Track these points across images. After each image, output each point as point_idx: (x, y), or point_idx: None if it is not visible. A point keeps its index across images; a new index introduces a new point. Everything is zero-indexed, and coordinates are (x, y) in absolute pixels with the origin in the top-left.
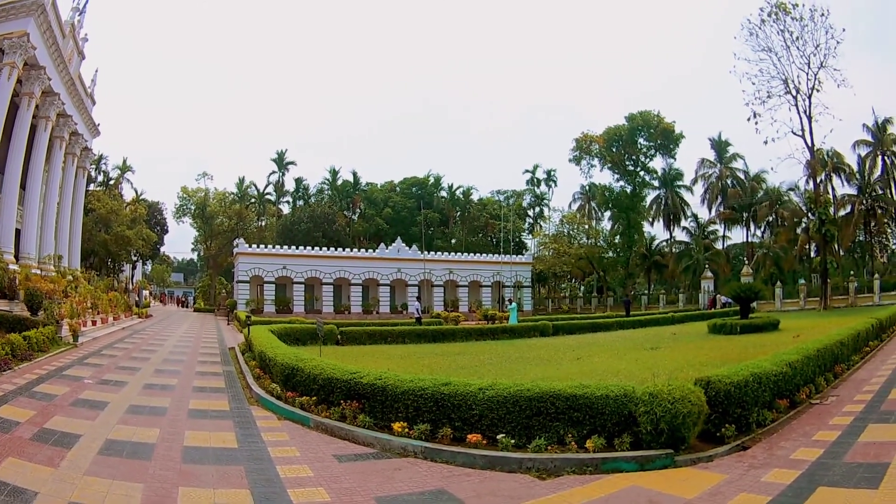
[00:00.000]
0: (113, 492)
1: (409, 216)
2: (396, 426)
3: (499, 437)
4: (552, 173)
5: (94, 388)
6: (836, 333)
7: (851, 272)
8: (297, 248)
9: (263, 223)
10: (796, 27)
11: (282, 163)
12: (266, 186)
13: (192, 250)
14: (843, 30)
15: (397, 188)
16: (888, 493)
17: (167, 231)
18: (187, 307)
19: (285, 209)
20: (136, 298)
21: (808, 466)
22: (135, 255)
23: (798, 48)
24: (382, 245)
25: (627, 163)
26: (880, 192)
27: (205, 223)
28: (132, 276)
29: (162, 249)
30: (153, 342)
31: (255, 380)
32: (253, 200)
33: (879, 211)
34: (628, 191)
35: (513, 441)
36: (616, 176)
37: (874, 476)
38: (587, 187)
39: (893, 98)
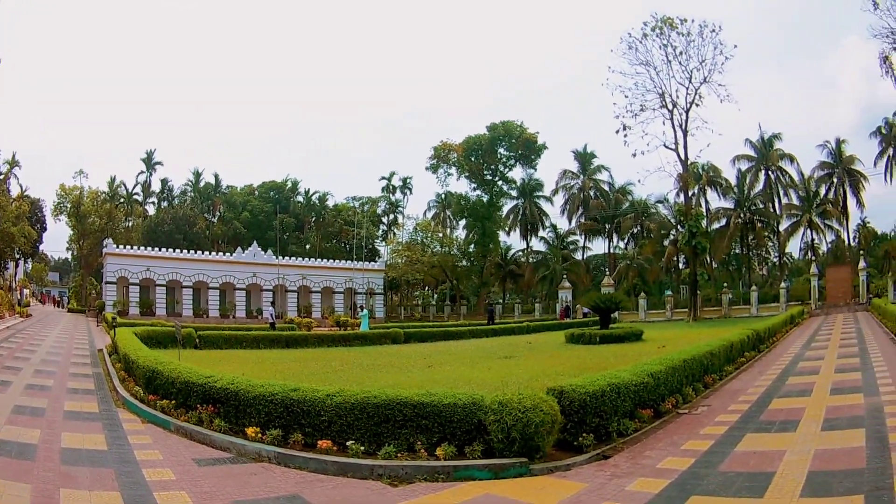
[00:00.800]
0: (7, 492)
1: (267, 220)
2: (250, 431)
3: (348, 443)
4: (408, 181)
5: None
6: (705, 344)
7: (725, 284)
8: (159, 250)
9: (131, 223)
10: (681, 42)
11: (150, 163)
12: (134, 186)
13: (67, 249)
14: (735, 46)
15: (256, 192)
16: (775, 502)
17: (46, 229)
18: (62, 307)
19: (152, 210)
20: (18, 297)
21: (678, 476)
22: (17, 254)
23: (681, 63)
24: (239, 249)
25: (486, 172)
26: (761, 206)
27: (79, 222)
28: (15, 274)
29: (41, 248)
30: (34, 342)
31: (120, 382)
32: (122, 200)
33: (759, 224)
34: (485, 200)
35: (363, 448)
36: (473, 185)
37: (758, 485)
38: (443, 196)
39: (790, 114)
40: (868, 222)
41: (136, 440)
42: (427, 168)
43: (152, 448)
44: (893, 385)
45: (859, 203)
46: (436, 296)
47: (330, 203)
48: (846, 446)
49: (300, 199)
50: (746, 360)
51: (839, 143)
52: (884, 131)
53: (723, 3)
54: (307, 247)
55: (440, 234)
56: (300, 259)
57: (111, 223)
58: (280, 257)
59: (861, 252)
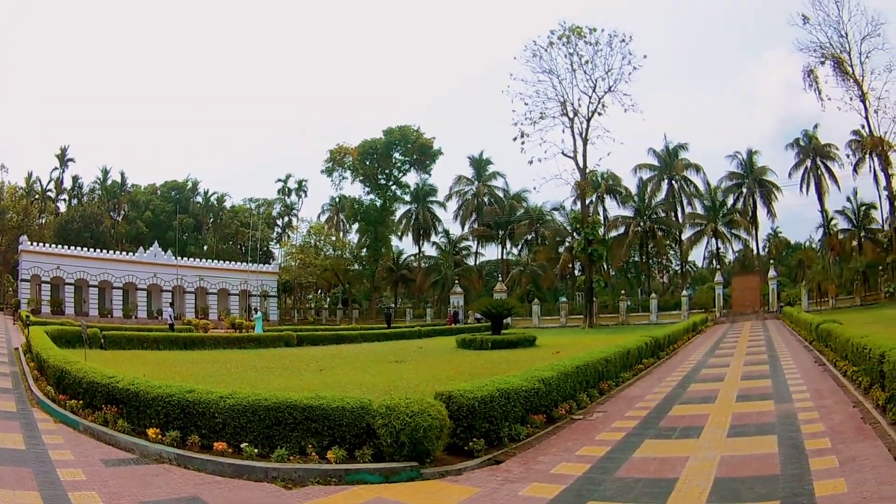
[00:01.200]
0: None
1: (168, 220)
2: (151, 432)
3: (242, 445)
4: (303, 183)
5: None
6: (600, 350)
7: (623, 291)
8: (67, 249)
9: (44, 220)
10: (588, 51)
11: (63, 159)
12: (49, 182)
13: None
14: (645, 56)
15: (158, 191)
16: None
17: None
18: None
19: (64, 207)
20: None
21: (574, 481)
22: None
23: (586, 72)
24: (141, 249)
25: (380, 176)
26: (662, 214)
27: None
28: None
29: None
30: None
31: (34, 381)
32: (37, 197)
33: (660, 233)
34: (378, 204)
35: (256, 450)
36: (367, 189)
37: (659, 491)
38: (337, 199)
39: (710, 126)
40: (780, 232)
41: (50, 440)
42: (322, 171)
43: (64, 448)
44: (808, 392)
45: (770, 213)
46: (328, 299)
47: (228, 204)
48: (756, 453)
49: (199, 199)
50: (645, 366)
51: (750, 153)
52: (802, 143)
53: (645, 16)
54: (205, 248)
55: (333, 238)
56: (198, 260)
57: (27, 220)
58: (179, 258)
59: (771, 261)
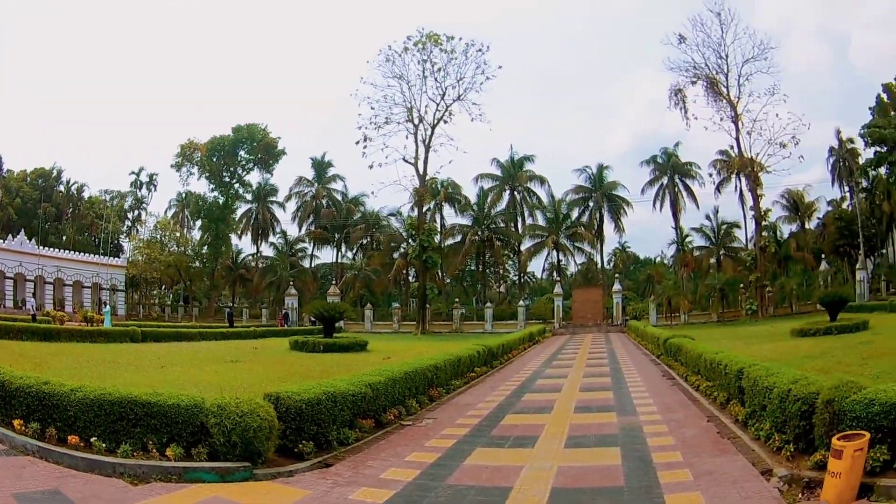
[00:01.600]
0: None
1: (34, 208)
2: (16, 423)
3: (92, 439)
4: (154, 177)
5: None
6: (430, 357)
7: (457, 299)
8: None
9: None
10: (442, 59)
11: None
12: None
13: None
14: (500, 66)
15: (28, 178)
16: None
17: None
18: None
19: None
20: None
21: (404, 487)
22: None
23: (437, 79)
24: (10, 236)
25: (225, 174)
26: (502, 224)
27: None
28: None
29: None
30: None
31: None
32: None
33: (498, 243)
34: (221, 202)
35: (104, 445)
36: (212, 186)
37: (493, 499)
38: (184, 195)
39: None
40: (628, 247)
41: None
42: (172, 166)
43: None
44: (655, 406)
45: (618, 228)
46: (171, 296)
47: (87, 195)
48: (598, 464)
49: (62, 188)
50: (477, 375)
51: (601, 168)
52: (660, 160)
53: (510, 27)
54: (64, 238)
55: (178, 234)
56: (56, 251)
57: None
58: (41, 248)
59: (616, 275)
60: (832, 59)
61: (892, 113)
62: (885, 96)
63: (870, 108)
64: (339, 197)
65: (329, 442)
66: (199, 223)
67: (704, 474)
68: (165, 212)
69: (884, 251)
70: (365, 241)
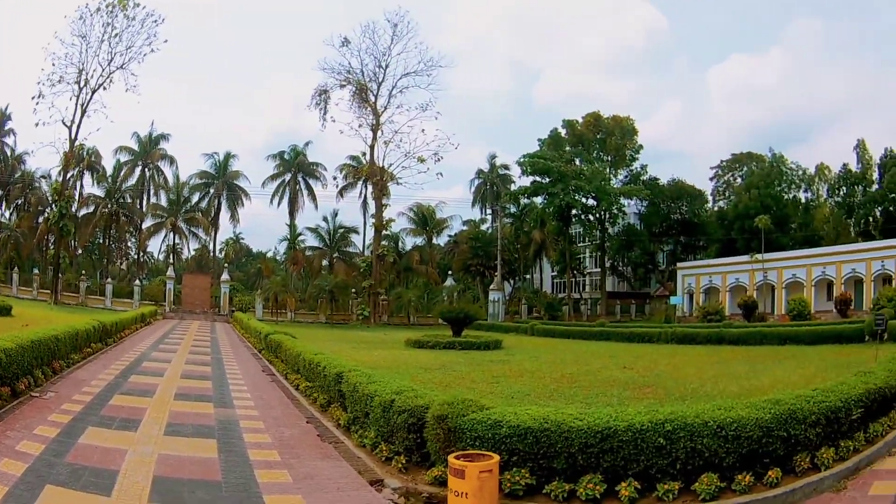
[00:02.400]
0: None
1: None
2: None
3: None
4: None
5: None
6: (52, 328)
7: (84, 272)
8: None
9: None
10: (122, 24)
11: None
12: None
13: None
14: (165, 41)
15: None
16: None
17: None
18: None
19: None
20: None
21: (34, 461)
22: None
23: (111, 45)
24: None
25: None
26: (129, 200)
27: None
28: None
29: None
30: None
31: None
32: None
33: (124, 218)
34: None
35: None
36: None
37: (103, 482)
38: None
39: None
40: (242, 238)
41: None
42: None
43: None
44: (253, 401)
45: (234, 218)
46: None
47: None
48: (195, 455)
49: None
50: (94, 351)
51: (227, 156)
52: (286, 157)
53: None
54: None
55: None
56: None
57: None
58: None
59: (226, 265)
60: (517, 88)
61: (568, 148)
62: (563, 131)
63: (539, 140)
64: (7, 152)
65: None
66: None
67: (305, 477)
68: None
69: (528, 276)
70: (19, 202)
